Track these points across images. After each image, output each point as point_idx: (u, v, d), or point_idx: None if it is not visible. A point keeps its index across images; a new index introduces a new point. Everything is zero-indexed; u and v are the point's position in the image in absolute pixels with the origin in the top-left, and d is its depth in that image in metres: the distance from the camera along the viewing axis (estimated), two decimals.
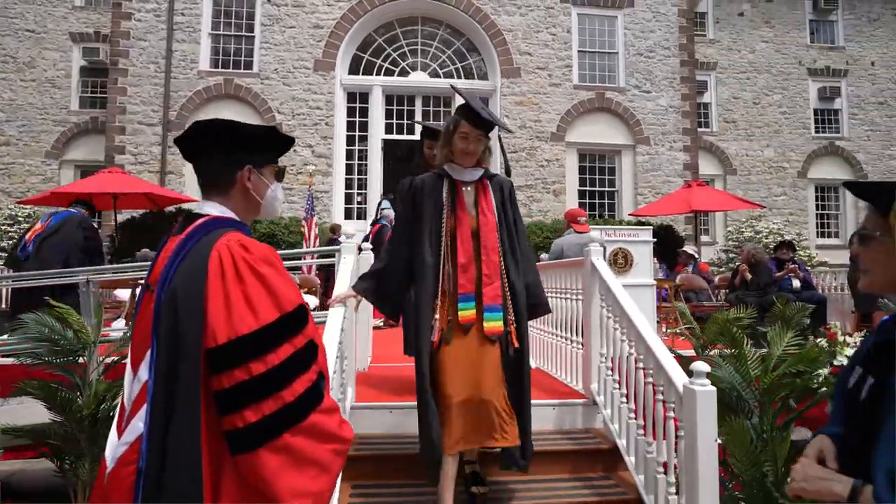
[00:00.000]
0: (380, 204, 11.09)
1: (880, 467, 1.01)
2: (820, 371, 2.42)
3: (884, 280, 1.19)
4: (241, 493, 1.17)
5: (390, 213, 7.06)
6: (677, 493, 2.16)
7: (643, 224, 8.99)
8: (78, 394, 2.76)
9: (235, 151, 1.34)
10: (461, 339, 2.22)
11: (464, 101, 2.32)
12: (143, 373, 1.18)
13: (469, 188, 2.36)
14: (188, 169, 10.23)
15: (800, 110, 15.93)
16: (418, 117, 12.71)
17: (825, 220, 15.96)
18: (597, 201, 13.20)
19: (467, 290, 2.24)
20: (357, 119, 12.51)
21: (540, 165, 12.83)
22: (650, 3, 13.24)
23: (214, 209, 1.32)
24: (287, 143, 1.50)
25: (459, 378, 2.17)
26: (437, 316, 2.24)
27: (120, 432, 1.21)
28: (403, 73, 12.78)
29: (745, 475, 2.04)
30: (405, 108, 12.82)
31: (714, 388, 1.97)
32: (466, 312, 2.23)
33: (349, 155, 12.56)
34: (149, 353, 1.17)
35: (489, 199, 2.34)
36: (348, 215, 12.33)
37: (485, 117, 2.26)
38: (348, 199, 12.53)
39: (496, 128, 2.37)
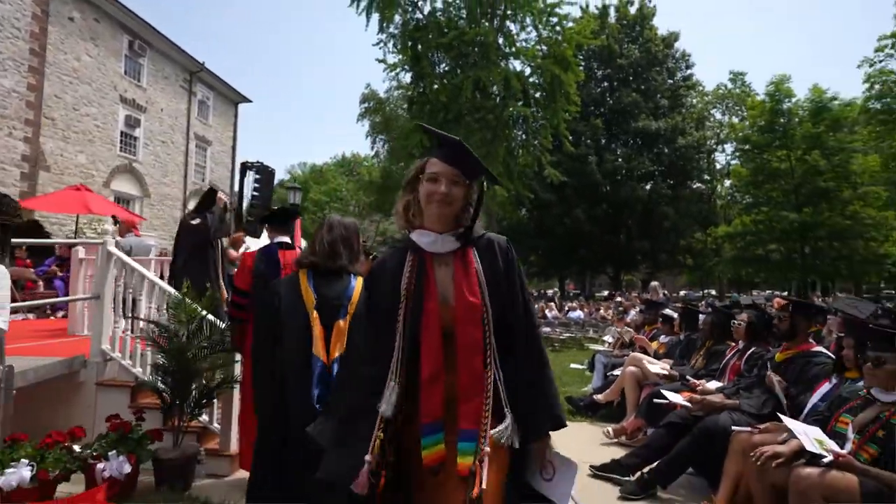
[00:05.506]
0: None
1: None
2: None
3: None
4: None
5: None
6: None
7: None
8: None
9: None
10: (430, 489, 1.53)
11: (435, 137, 1.70)
12: None
13: (446, 263, 1.66)
14: None
15: (111, 128, 18.28)
16: None
17: None
18: None
19: (433, 417, 1.51)
20: None
21: None
22: None
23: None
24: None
25: None
26: (367, 457, 1.48)
27: None
28: None
29: None
30: None
31: None
32: (433, 450, 1.50)
33: None
34: None
35: (473, 274, 1.63)
36: None
37: (465, 155, 1.63)
38: None
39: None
